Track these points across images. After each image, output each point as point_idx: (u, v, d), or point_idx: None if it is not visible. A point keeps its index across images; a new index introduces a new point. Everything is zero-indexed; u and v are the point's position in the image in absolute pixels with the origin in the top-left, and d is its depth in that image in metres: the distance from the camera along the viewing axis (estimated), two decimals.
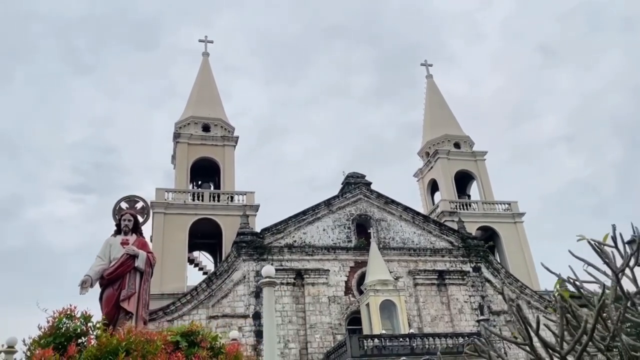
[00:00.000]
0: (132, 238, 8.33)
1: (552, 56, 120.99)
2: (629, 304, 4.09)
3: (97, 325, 4.98)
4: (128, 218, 8.46)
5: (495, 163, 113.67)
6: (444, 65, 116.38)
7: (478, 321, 28.83)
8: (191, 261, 35.61)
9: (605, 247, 4.67)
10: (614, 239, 4.71)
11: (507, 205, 38.97)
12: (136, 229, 8.54)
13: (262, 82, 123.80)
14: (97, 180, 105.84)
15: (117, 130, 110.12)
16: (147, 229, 8.69)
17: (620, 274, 4.00)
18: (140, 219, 8.66)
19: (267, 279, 6.41)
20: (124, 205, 8.76)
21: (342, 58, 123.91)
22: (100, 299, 7.85)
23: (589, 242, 4.34)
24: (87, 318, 4.99)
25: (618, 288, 4.09)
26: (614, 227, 5.12)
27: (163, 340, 5.00)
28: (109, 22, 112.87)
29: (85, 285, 7.61)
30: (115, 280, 7.79)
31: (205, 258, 38.43)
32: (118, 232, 8.48)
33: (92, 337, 4.84)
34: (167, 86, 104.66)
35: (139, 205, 8.83)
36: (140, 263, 7.97)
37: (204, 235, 35.21)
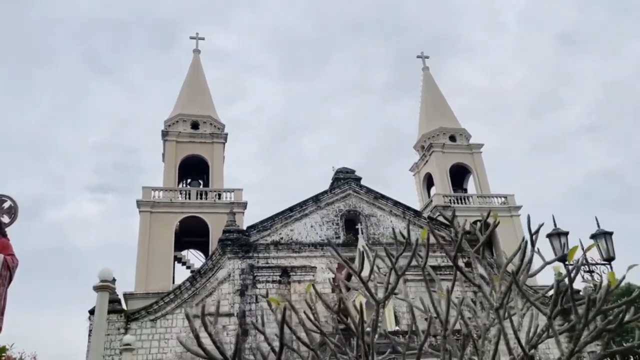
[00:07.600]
0: None
1: (574, 45, 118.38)
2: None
3: None
4: None
5: (516, 155, 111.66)
6: (465, 57, 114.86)
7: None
8: (179, 260, 35.40)
9: None
10: None
11: (503, 199, 37.91)
12: None
13: (280, 79, 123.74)
14: (117, 180, 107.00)
15: (136, 130, 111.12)
16: (12, 230, 8.22)
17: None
18: (7, 220, 8.26)
19: (101, 283, 5.95)
20: None
21: (359, 53, 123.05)
22: None
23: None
24: None
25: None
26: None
27: None
28: (126, 24, 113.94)
29: None
30: None
31: (195, 257, 38.21)
32: None
33: None
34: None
35: (6, 205, 8.42)
36: None
37: (194, 234, 34.97)
